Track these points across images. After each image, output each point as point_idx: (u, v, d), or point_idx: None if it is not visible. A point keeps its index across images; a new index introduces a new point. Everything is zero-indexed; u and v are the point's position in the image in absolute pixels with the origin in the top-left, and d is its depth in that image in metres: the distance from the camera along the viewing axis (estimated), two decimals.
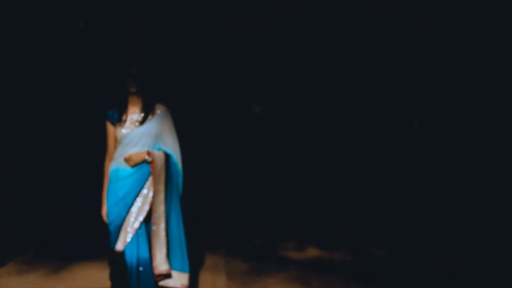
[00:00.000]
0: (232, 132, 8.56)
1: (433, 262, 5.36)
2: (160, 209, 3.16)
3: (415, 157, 8.16)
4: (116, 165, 3.15)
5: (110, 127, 3.19)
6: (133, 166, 3.11)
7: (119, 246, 3.01)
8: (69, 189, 6.43)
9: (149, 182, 3.13)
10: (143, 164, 3.13)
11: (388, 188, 7.68)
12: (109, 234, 3.07)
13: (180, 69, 7.87)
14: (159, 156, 3.14)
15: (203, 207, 7.23)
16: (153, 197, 3.11)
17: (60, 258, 4.47)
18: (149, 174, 3.13)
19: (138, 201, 3.10)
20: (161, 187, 3.15)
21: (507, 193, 6.51)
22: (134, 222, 3.07)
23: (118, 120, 3.16)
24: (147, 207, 3.08)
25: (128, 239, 3.02)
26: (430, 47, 7.37)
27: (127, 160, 3.09)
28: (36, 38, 6.57)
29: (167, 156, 3.18)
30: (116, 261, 3.01)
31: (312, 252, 4.98)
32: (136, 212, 3.09)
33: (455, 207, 6.70)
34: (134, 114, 3.19)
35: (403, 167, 7.85)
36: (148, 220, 3.10)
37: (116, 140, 3.20)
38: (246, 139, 8.67)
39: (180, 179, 3.28)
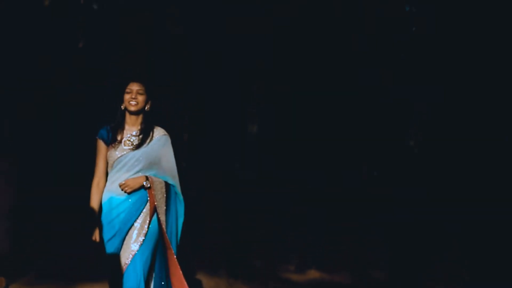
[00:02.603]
0: (231, 132, 8.55)
1: (433, 263, 5.36)
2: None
3: (415, 157, 8.14)
4: (109, 194, 2.92)
5: (102, 146, 2.95)
6: (130, 193, 2.87)
7: (118, 279, 2.84)
8: (69, 189, 6.43)
9: (145, 210, 2.89)
10: (140, 190, 2.90)
11: (388, 188, 7.66)
12: (104, 264, 2.90)
13: (180, 69, 7.87)
14: (159, 183, 2.91)
15: (203, 207, 7.20)
16: (160, 230, 2.89)
17: (62, 279, 4.47)
18: (146, 200, 2.89)
19: (134, 232, 2.88)
20: (162, 218, 2.92)
21: (507, 193, 6.50)
22: (129, 253, 2.87)
23: (112, 140, 2.93)
24: (141, 239, 2.87)
25: (124, 270, 2.84)
26: (430, 47, 7.36)
27: (123, 186, 2.86)
28: (36, 38, 6.56)
29: (168, 185, 2.95)
30: None
31: (313, 273, 4.97)
32: (131, 243, 2.88)
33: (455, 207, 6.69)
34: (130, 135, 2.97)
35: (403, 167, 7.85)
36: (145, 252, 2.89)
37: (106, 162, 2.95)
38: (245, 139, 8.66)
39: (181, 209, 3.03)
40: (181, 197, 3.00)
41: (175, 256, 2.92)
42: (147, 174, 2.90)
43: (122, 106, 2.98)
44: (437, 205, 6.95)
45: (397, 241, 6.44)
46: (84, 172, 3.59)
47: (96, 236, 2.93)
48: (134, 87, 2.95)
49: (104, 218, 2.89)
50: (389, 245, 6.29)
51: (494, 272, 5.17)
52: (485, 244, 6.11)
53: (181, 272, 2.89)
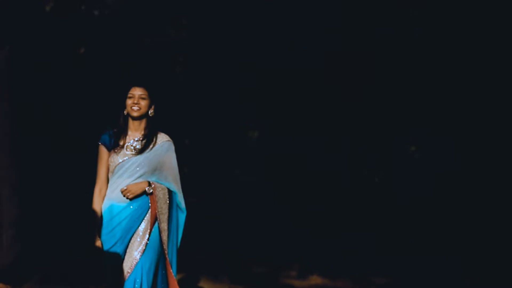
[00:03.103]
0: (232, 138, 8.56)
1: (434, 266, 5.34)
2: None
3: (416, 157, 8.12)
4: (109, 202, 2.83)
5: (104, 152, 2.86)
6: (132, 199, 2.78)
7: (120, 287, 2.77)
8: (69, 189, 6.43)
9: (147, 217, 2.81)
10: (142, 195, 2.81)
11: (389, 191, 7.64)
12: (106, 273, 2.83)
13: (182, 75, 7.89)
14: (161, 190, 2.83)
15: (203, 212, 7.17)
16: (160, 238, 2.82)
17: (66, 286, 4.44)
18: (148, 207, 2.81)
19: (136, 240, 2.80)
20: (165, 226, 2.83)
21: (507, 193, 6.49)
22: (131, 262, 2.79)
23: (115, 145, 2.85)
24: (143, 247, 2.80)
25: (126, 278, 2.78)
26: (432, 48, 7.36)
27: (124, 192, 2.77)
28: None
29: (170, 192, 2.88)
30: None
31: (315, 279, 4.94)
32: (133, 251, 2.80)
33: (458, 207, 6.67)
34: (133, 140, 2.88)
35: (406, 168, 7.84)
36: (147, 261, 2.81)
37: (108, 169, 2.87)
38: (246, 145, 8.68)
39: (182, 218, 2.94)
40: (183, 205, 2.93)
41: (170, 267, 2.84)
42: (149, 180, 2.83)
43: (124, 111, 2.91)
44: (440, 205, 6.95)
45: (399, 245, 6.42)
46: (86, 178, 3.57)
47: (98, 243, 2.86)
48: (136, 91, 2.88)
49: (105, 227, 2.80)
50: (392, 249, 6.28)
51: (495, 276, 5.17)
52: (490, 242, 6.10)
53: (177, 284, 2.81)
